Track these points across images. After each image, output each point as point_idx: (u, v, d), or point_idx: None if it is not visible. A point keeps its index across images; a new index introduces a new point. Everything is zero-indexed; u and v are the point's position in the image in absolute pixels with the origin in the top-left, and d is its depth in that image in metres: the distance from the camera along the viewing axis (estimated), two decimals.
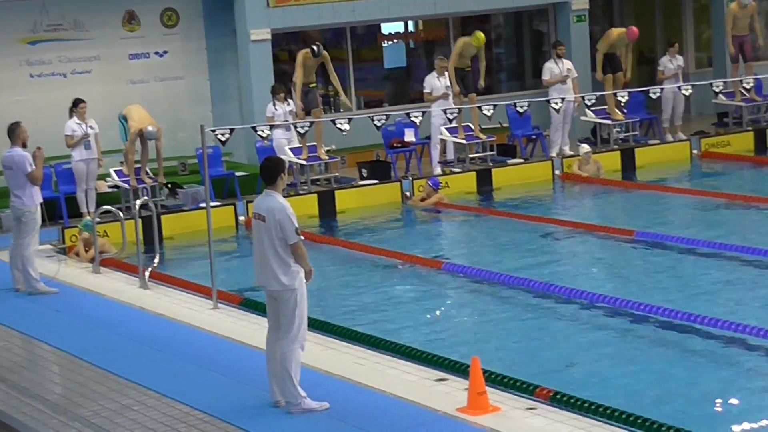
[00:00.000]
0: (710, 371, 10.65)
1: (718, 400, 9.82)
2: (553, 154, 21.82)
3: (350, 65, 23.37)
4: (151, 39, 21.60)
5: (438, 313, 13.26)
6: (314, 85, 20.20)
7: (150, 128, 18.74)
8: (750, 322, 11.35)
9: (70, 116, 18.75)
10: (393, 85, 24.76)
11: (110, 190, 19.35)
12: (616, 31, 22.48)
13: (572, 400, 9.37)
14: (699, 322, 11.58)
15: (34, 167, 14.23)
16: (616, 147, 21.81)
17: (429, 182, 18.99)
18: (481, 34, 21.01)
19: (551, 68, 22.21)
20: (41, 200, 14.53)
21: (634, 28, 22.11)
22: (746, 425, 9.23)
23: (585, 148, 20.54)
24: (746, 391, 10.02)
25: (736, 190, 18.46)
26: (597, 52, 22.60)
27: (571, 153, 21.42)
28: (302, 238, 9.68)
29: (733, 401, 9.82)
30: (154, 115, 19.21)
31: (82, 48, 21.02)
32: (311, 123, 18.76)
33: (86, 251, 15.98)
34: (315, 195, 19.04)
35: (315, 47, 19.50)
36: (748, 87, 21.72)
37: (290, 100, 20.10)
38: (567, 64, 22.23)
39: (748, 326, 11.19)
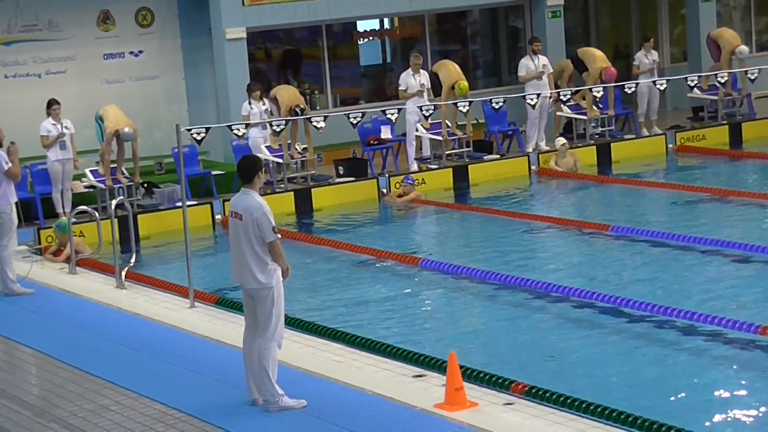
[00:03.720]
0: (685, 364, 10.70)
1: (693, 392, 9.87)
2: (529, 149, 21.87)
3: (326, 63, 23.36)
4: (126, 38, 21.53)
5: (415, 309, 13.27)
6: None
7: (127, 129, 18.65)
8: (726, 314, 11.42)
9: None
10: (369, 82, 24.75)
11: (86, 190, 19.26)
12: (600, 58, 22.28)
13: (548, 395, 9.40)
14: (674, 315, 11.63)
15: (10, 165, 14.16)
16: (591, 142, 21.87)
17: (407, 181, 19.00)
18: (464, 85, 20.60)
19: (527, 64, 22.22)
20: (16, 200, 14.46)
21: (613, 71, 21.86)
22: (720, 416, 9.29)
23: (561, 140, 20.60)
24: (721, 383, 10.07)
25: (711, 184, 18.54)
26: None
27: (547, 148, 21.47)
28: (279, 236, 9.69)
29: (707, 392, 9.87)
30: (129, 115, 19.12)
31: (56, 48, 20.95)
32: (287, 122, 18.75)
33: (61, 251, 15.94)
34: (291, 193, 19.05)
35: (298, 110, 19.25)
36: (723, 81, 21.80)
37: (265, 99, 20.06)
38: (543, 60, 22.25)
39: (725, 318, 11.25)
